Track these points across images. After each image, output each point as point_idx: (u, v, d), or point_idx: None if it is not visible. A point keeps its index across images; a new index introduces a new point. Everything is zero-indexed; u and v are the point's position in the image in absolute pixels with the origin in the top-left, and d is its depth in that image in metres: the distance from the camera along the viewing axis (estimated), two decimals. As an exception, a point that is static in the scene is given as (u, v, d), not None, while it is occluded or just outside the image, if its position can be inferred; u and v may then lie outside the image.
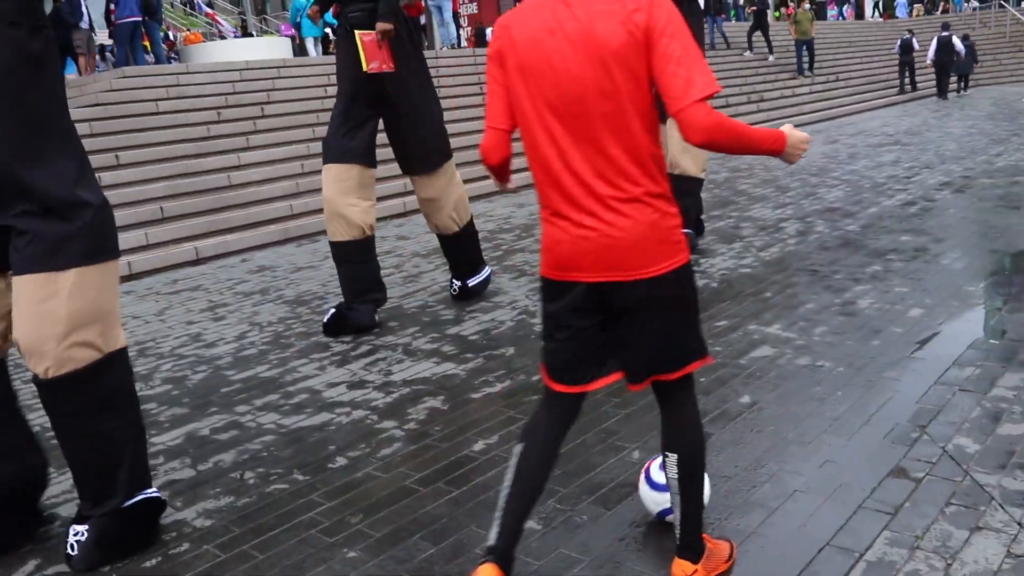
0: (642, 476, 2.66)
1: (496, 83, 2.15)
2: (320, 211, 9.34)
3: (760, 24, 20.24)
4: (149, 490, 2.89)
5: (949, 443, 3.04)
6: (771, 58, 19.88)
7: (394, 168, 10.64)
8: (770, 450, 3.11)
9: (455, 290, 5.66)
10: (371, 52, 4.89)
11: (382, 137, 5.27)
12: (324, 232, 8.89)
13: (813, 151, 12.13)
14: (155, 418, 4.05)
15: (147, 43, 14.93)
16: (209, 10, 28.34)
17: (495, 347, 4.64)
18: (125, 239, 7.94)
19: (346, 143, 5.08)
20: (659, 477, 2.55)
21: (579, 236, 2.08)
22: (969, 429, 3.14)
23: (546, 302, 2.23)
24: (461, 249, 5.60)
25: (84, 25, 14.13)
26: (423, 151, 5.30)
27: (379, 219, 9.39)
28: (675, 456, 2.25)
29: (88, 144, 8.73)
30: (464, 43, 21.67)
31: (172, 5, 27.46)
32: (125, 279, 7.54)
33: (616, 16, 1.97)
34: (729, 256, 6.20)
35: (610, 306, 2.13)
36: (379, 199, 9.71)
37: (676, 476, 2.25)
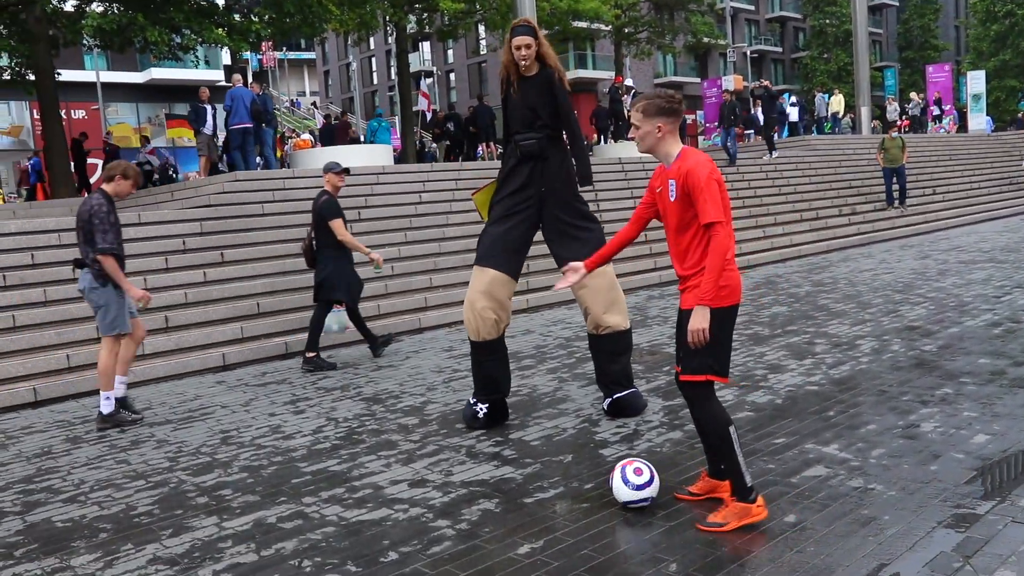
0: (618, 472, 3.77)
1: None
2: (406, 312, 9.75)
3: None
4: None
5: (992, 576, 3.01)
6: (774, 154, 20.07)
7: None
8: (808, 571, 3.14)
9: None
10: None
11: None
12: (407, 332, 9.30)
13: (902, 266, 11.98)
14: (228, 504, 4.33)
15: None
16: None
17: (554, 453, 4.78)
18: (222, 332, 8.49)
19: None
20: (633, 478, 3.73)
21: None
22: (1015, 563, 3.10)
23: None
24: None
25: (207, 130, 15.42)
26: None
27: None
28: None
29: (197, 242, 9.46)
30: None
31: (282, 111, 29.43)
32: (219, 370, 8.02)
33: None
34: (798, 373, 6.22)
35: None
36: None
37: None
